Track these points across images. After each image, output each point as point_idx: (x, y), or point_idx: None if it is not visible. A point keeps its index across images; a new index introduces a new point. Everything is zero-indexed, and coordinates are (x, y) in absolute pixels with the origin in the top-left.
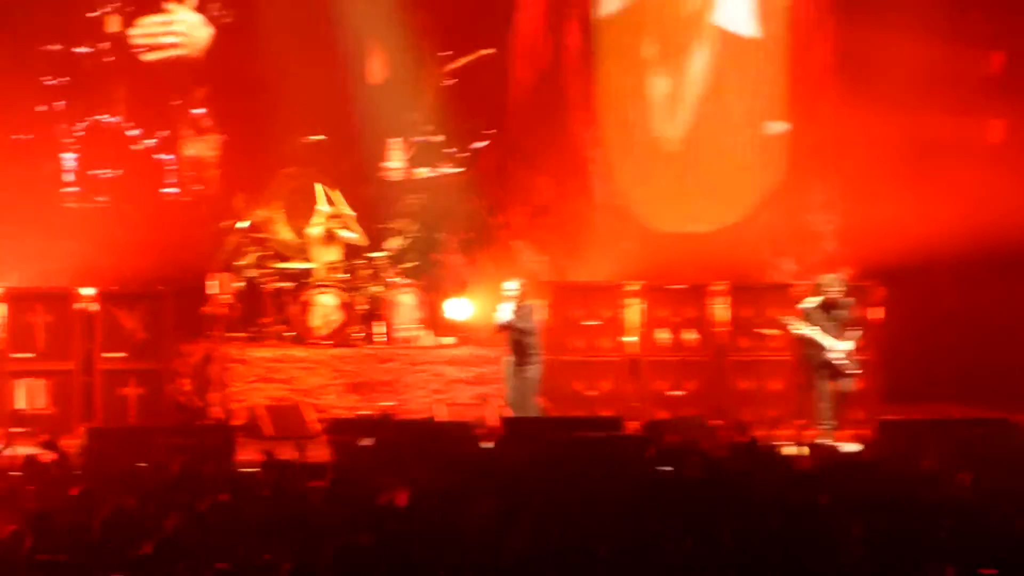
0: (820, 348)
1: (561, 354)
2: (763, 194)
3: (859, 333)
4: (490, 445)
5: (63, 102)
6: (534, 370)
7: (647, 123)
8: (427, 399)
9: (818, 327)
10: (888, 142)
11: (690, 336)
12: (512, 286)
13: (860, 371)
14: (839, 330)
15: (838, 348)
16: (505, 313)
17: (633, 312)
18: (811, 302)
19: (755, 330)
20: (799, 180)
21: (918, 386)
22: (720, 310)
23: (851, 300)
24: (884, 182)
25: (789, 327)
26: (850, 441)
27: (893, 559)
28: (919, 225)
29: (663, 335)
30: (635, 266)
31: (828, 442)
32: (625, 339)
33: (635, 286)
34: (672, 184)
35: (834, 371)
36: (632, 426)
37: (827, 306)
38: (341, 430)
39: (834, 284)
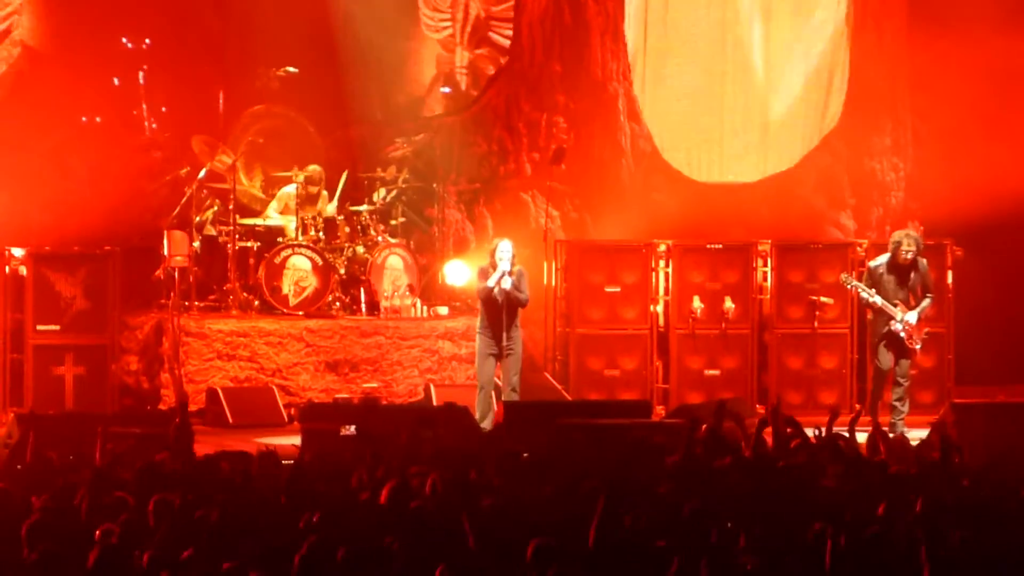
0: (884, 316)
1: (577, 326)
2: (818, 136)
3: (928, 302)
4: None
5: None
6: (519, 346)
7: (683, 51)
8: (418, 379)
9: (881, 291)
10: (968, 75)
11: (730, 305)
12: (507, 247)
13: (920, 346)
14: (907, 297)
15: (902, 318)
16: (504, 279)
17: (663, 276)
18: (878, 261)
19: (809, 298)
20: (861, 120)
21: (997, 364)
22: (766, 274)
23: (925, 263)
24: (962, 122)
25: (847, 286)
26: (916, 427)
27: None
28: (1003, 174)
29: (698, 304)
30: (666, 222)
31: (892, 429)
32: (653, 308)
33: (665, 246)
34: (711, 125)
35: (897, 345)
36: (659, 411)
37: (897, 268)
38: (316, 416)
39: (907, 242)
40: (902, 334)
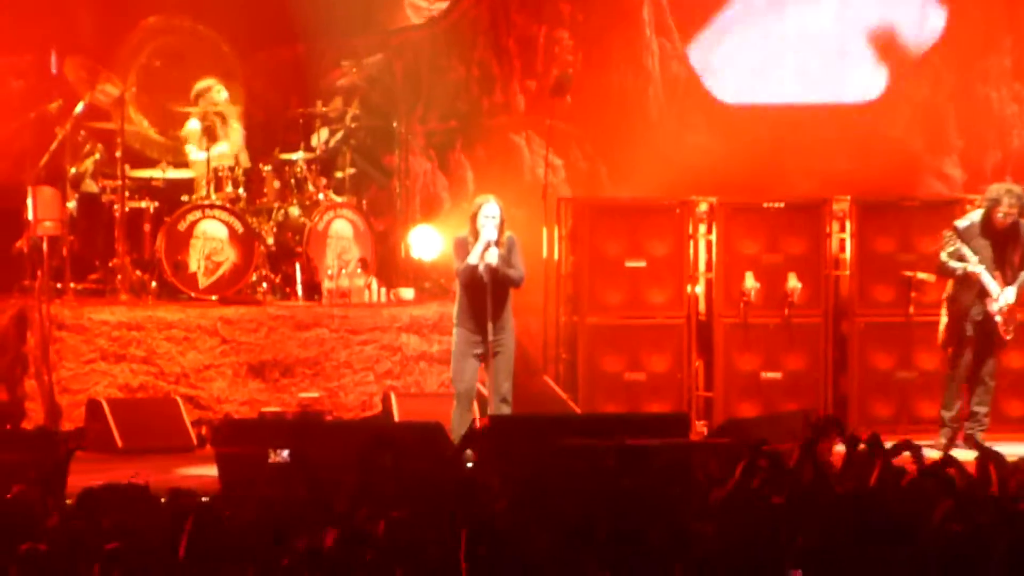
0: (973, 292)
1: (588, 314)
2: (912, 55)
3: None
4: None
5: None
6: (511, 341)
7: None
8: (375, 387)
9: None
10: None
11: (795, 284)
12: (494, 209)
13: (1011, 336)
14: (1005, 270)
15: (999, 295)
16: (490, 251)
17: (704, 246)
18: (969, 220)
19: (902, 274)
20: (970, 33)
21: None
22: (843, 242)
23: None
24: None
25: (946, 242)
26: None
27: None
28: None
29: (752, 283)
30: (709, 173)
31: (968, 443)
32: (691, 289)
33: (707, 205)
34: (769, 36)
35: (987, 333)
36: (699, 428)
37: (992, 232)
38: (235, 437)
39: (1008, 200)
40: (998, 318)
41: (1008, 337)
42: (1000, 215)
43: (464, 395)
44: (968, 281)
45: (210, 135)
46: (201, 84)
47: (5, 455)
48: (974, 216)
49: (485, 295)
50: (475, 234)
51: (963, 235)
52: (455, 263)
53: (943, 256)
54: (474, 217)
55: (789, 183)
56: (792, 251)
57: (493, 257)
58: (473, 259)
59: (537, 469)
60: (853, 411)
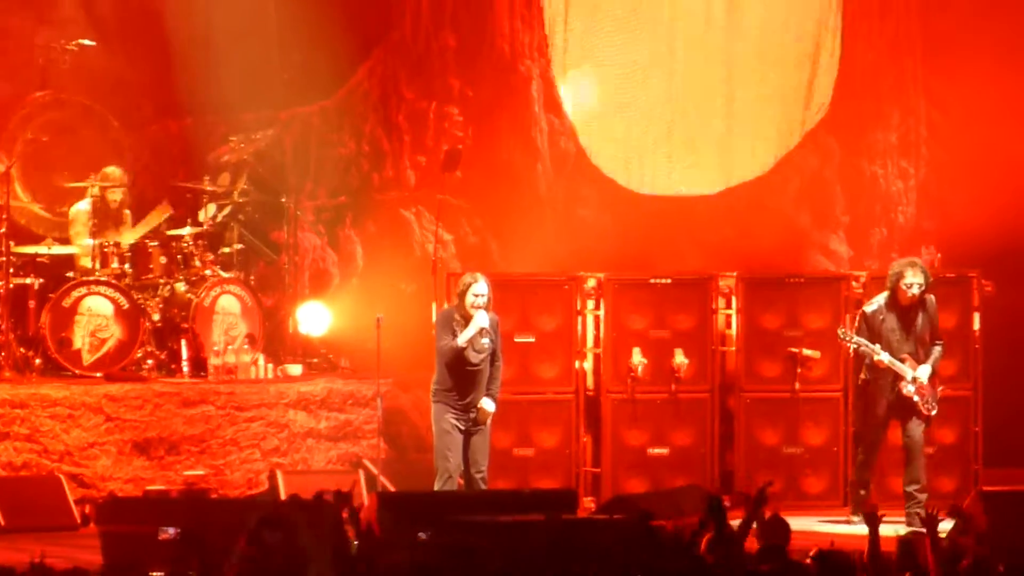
0: (888, 377)
1: None
2: (800, 132)
3: (940, 352)
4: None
5: None
6: (489, 424)
7: (617, 22)
8: (261, 464)
9: (883, 344)
10: (1002, 47)
11: (682, 360)
12: (483, 288)
13: (936, 411)
14: (915, 348)
15: (913, 377)
16: (486, 334)
17: (592, 321)
18: (875, 304)
19: (788, 350)
20: (858, 109)
21: None
22: (730, 318)
23: (933, 300)
24: (994, 112)
25: (847, 343)
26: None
27: None
28: None
29: (639, 359)
30: (597, 249)
31: (910, 523)
32: (579, 365)
33: (595, 280)
34: (658, 118)
35: (908, 412)
36: (587, 504)
37: (900, 310)
38: (120, 516)
39: (911, 274)
40: (916, 398)
41: (932, 412)
42: (904, 286)
43: (453, 473)
44: (884, 368)
45: (99, 219)
46: (108, 170)
47: None
48: (879, 299)
49: (475, 376)
50: (462, 310)
51: (871, 320)
52: (440, 338)
53: (845, 341)
54: (462, 295)
55: (678, 257)
56: (679, 327)
57: (486, 342)
58: (461, 341)
59: (426, 545)
60: (740, 486)
